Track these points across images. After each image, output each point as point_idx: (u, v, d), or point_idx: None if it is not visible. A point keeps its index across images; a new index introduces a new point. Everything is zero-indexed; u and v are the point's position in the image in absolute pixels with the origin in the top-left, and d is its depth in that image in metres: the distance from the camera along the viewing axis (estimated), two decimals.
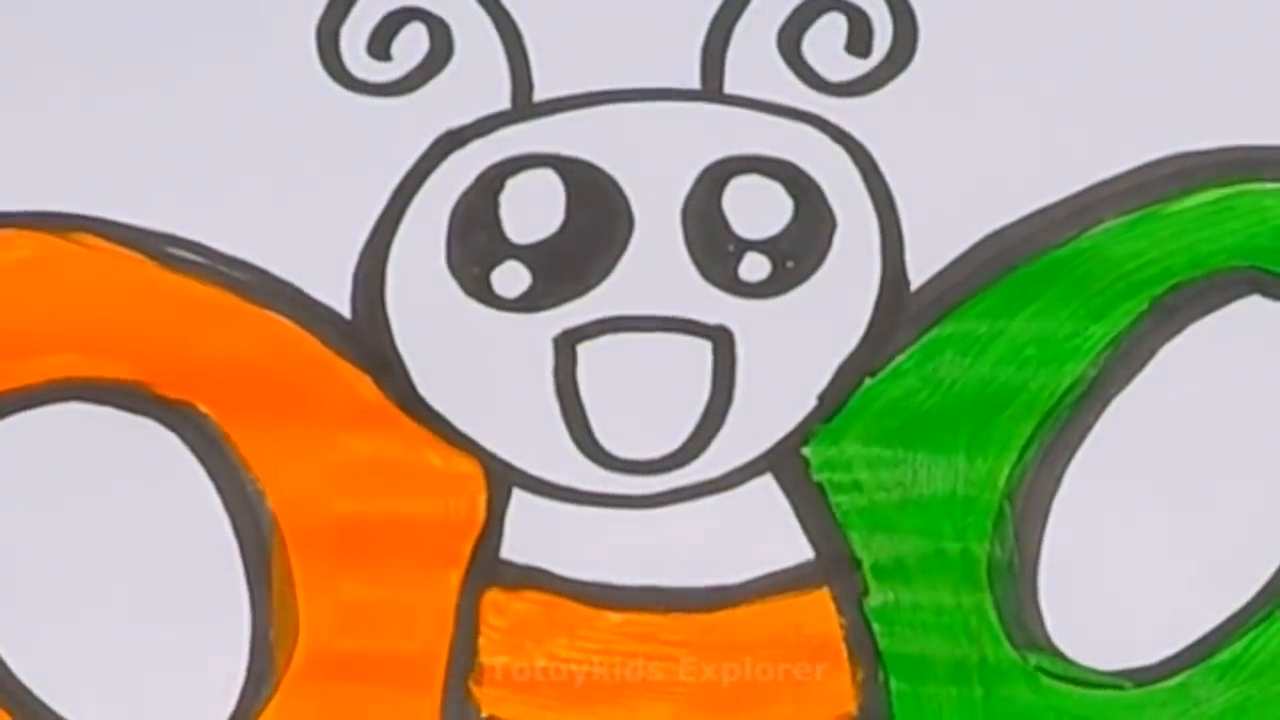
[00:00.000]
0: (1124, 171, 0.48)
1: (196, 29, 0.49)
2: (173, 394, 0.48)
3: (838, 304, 0.48)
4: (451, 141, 0.48)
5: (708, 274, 0.48)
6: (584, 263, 0.48)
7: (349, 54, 0.49)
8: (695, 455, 0.48)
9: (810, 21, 0.48)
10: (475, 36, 0.49)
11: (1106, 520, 0.48)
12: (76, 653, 0.48)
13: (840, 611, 0.48)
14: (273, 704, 0.48)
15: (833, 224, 0.48)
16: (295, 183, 0.48)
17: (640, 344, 0.48)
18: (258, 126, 0.49)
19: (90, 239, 0.49)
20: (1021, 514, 0.48)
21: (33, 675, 0.48)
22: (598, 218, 0.48)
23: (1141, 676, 0.48)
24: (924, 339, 0.48)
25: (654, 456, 0.48)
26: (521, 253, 0.48)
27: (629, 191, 0.48)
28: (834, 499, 0.48)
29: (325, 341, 0.48)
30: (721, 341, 0.48)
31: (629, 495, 0.48)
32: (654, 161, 0.48)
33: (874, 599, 0.48)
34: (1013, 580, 0.48)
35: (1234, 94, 0.48)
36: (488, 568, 0.48)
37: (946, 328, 0.48)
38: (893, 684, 0.48)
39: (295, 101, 0.49)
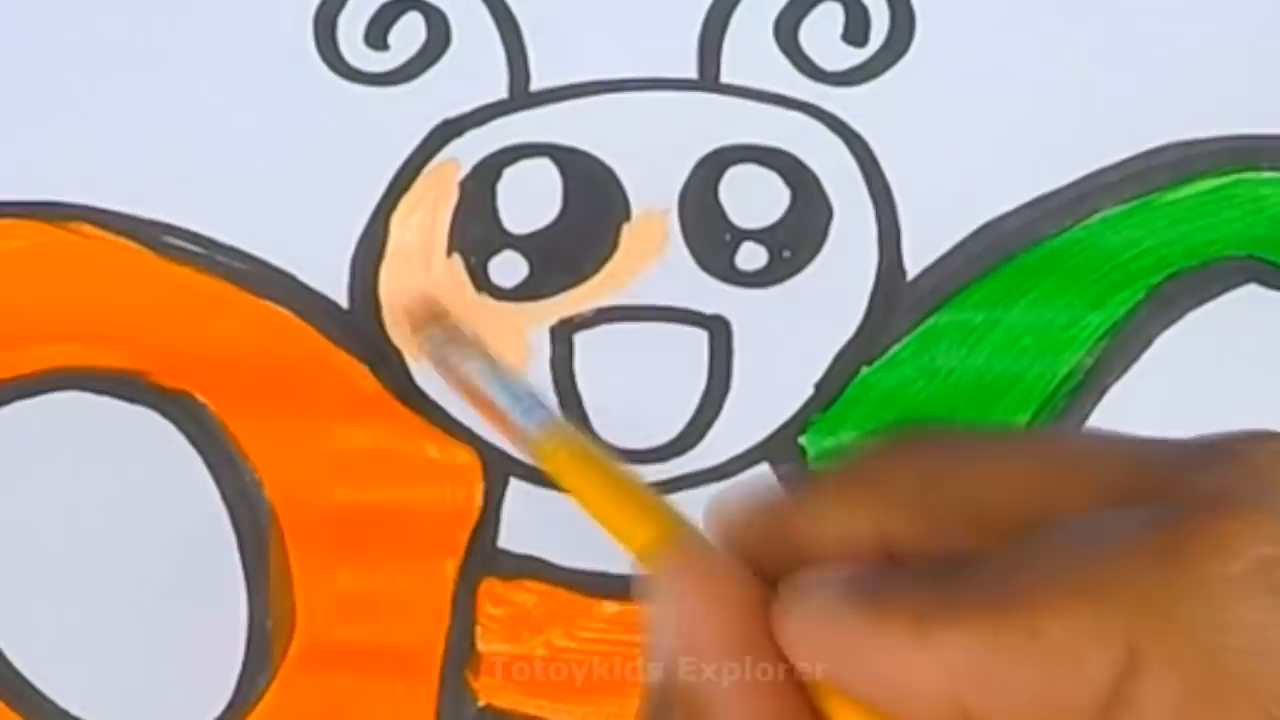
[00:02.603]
0: (1120, 160, 0.48)
1: (193, 18, 0.49)
2: (170, 383, 0.48)
3: (835, 293, 0.48)
4: (448, 131, 0.48)
5: (704, 264, 0.48)
6: (581, 252, 0.48)
7: (346, 43, 0.49)
8: (692, 445, 0.48)
9: (807, 10, 0.48)
10: (472, 26, 0.49)
11: None
12: (73, 642, 0.48)
13: None
14: (270, 693, 0.48)
15: (829, 213, 0.48)
16: (293, 172, 0.48)
17: (637, 333, 0.48)
18: (255, 116, 0.49)
19: (88, 228, 0.49)
20: None
21: (29, 664, 0.48)
22: (595, 207, 0.48)
23: None
24: (921, 328, 0.48)
25: (651, 446, 0.48)
26: (518, 242, 0.48)
27: (626, 181, 0.48)
28: None
29: (323, 332, 0.48)
30: (718, 331, 0.48)
31: None
32: (651, 151, 0.48)
33: None
34: None
35: (1231, 82, 0.48)
36: (485, 557, 0.48)
37: (943, 317, 0.48)
38: None
39: (292, 91, 0.49)
